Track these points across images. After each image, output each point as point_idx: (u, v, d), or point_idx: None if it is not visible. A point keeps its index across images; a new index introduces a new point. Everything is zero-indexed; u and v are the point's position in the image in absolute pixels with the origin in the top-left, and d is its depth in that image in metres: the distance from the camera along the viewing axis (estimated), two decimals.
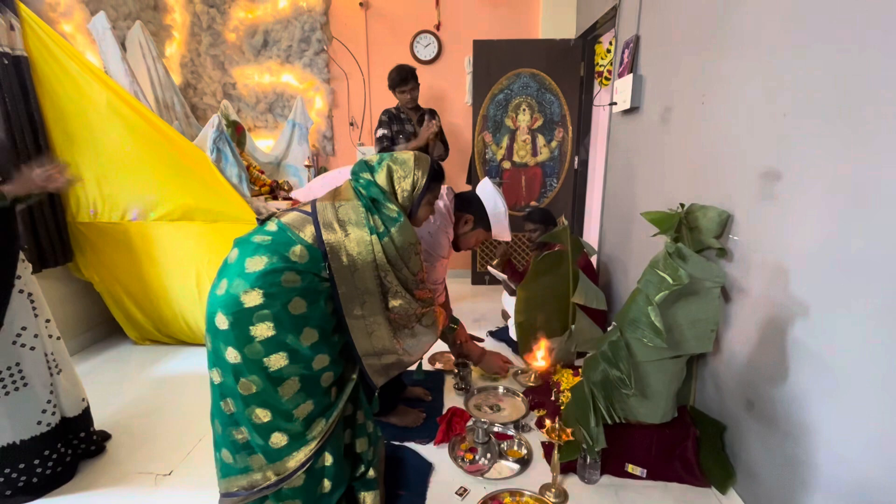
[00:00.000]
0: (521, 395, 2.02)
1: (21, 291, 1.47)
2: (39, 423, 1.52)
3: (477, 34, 3.34)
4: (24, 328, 1.48)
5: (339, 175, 1.88)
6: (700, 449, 1.44)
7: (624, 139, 2.39)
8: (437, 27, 3.49)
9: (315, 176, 3.49)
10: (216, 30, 3.49)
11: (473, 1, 3.45)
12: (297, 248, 1.10)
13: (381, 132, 2.81)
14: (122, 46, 2.61)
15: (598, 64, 3.26)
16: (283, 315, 1.06)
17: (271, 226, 1.17)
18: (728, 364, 1.43)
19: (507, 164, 3.50)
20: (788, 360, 1.18)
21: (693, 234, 1.43)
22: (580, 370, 1.93)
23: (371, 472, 1.36)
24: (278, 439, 1.11)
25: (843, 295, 1.03)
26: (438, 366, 2.33)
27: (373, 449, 1.38)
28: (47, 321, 1.58)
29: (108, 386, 2.20)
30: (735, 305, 1.38)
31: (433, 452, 1.71)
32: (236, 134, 3.03)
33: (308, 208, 1.19)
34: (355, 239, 1.13)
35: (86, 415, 1.70)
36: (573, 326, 2.00)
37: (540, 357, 2.08)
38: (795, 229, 1.16)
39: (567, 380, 1.85)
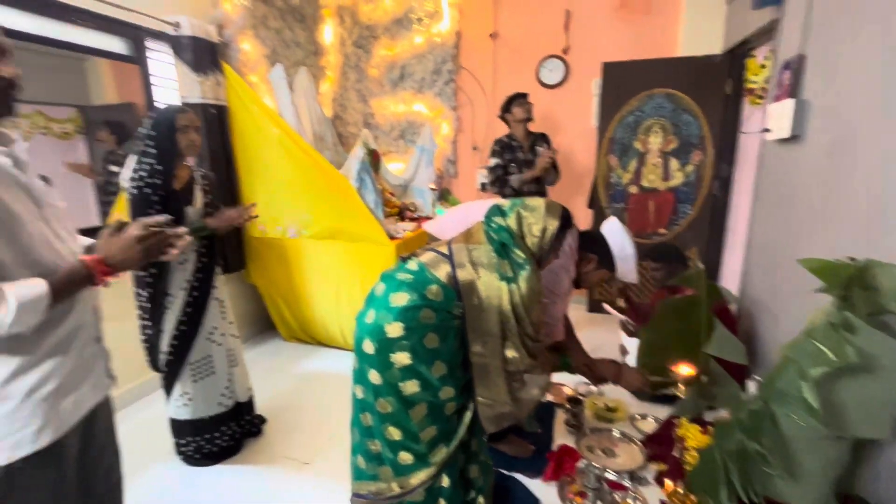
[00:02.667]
0: (639, 443, 1.91)
1: (216, 299, 1.86)
2: (220, 404, 1.88)
3: (607, 56, 3.25)
4: (214, 327, 1.86)
5: (467, 210, 1.99)
6: None
7: (779, 170, 2.12)
8: (565, 51, 3.48)
9: (438, 198, 3.72)
10: (361, 67, 3.94)
11: (605, 23, 3.36)
12: (434, 287, 1.21)
13: (493, 161, 2.87)
14: (290, 88, 3.11)
15: (748, 80, 2.93)
16: (419, 347, 1.18)
17: (412, 265, 1.29)
18: None
19: (633, 189, 3.33)
20: None
21: (868, 294, 1.22)
22: (709, 427, 1.76)
23: (481, 500, 1.42)
24: (405, 457, 1.23)
25: None
26: (549, 397, 2.31)
27: (484, 477, 1.44)
28: (230, 323, 1.96)
29: (262, 376, 2.60)
30: None
31: (540, 488, 1.71)
32: (374, 160, 3.37)
33: (444, 249, 1.30)
34: (486, 282, 1.21)
35: (251, 401, 2.06)
36: (704, 378, 1.83)
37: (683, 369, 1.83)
38: None
39: (694, 436, 1.69)
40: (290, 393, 2.47)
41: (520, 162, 2.87)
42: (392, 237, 2.70)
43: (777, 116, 2.02)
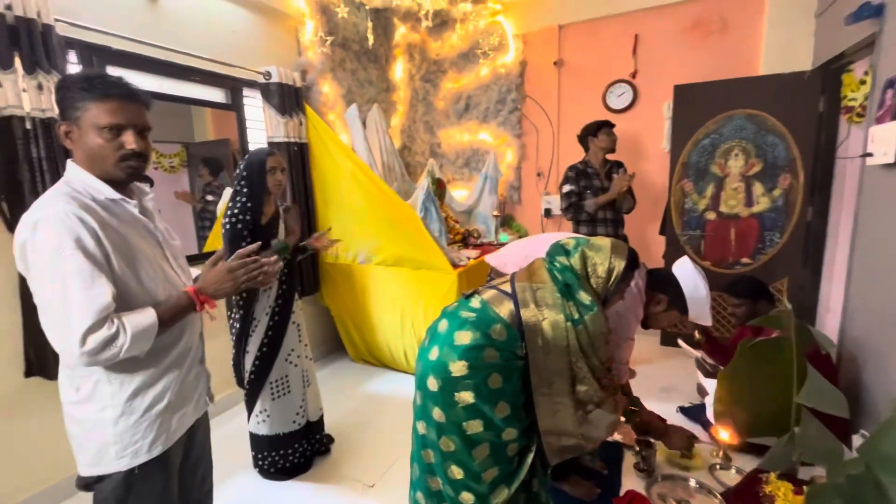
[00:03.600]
0: (719, 496, 1.75)
1: (293, 322, 2.01)
2: (294, 422, 2.01)
3: (679, 78, 3.13)
4: (292, 349, 2.00)
5: (529, 244, 2.00)
6: None
7: (885, 199, 1.90)
8: (633, 75, 3.40)
9: (501, 224, 3.74)
10: (429, 100, 4.12)
11: (677, 45, 3.25)
12: (498, 327, 1.22)
13: (567, 188, 2.84)
14: (364, 124, 3.33)
15: (845, 97, 2.68)
16: (482, 387, 1.19)
17: (475, 302, 1.31)
18: None
19: (710, 215, 3.12)
20: None
21: None
22: (804, 487, 1.58)
23: None
24: (466, 497, 1.24)
25: None
26: (618, 437, 2.19)
27: None
28: (305, 345, 2.10)
29: (330, 395, 2.72)
30: None
31: None
32: (439, 189, 3.48)
33: (507, 288, 1.31)
34: (551, 322, 1.20)
35: (321, 421, 2.18)
36: (797, 429, 1.65)
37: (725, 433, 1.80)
38: None
39: (785, 496, 1.52)
40: (357, 413, 2.57)
41: (595, 189, 2.82)
42: (455, 265, 2.76)
43: (879, 140, 1.83)
